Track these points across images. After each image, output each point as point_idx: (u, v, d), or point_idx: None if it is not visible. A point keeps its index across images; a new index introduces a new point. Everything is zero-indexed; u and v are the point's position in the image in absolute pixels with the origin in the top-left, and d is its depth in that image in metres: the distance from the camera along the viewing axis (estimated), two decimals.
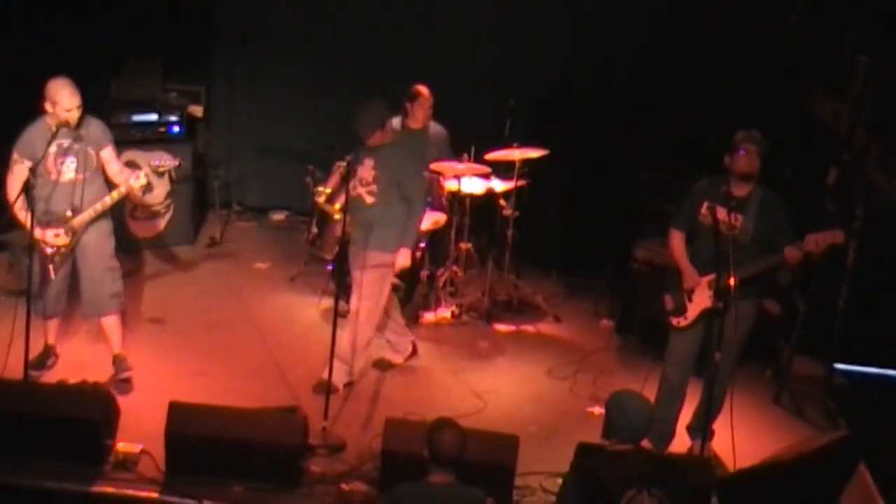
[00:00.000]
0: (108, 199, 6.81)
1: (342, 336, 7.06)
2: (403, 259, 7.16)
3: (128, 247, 8.17)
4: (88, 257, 6.92)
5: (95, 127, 6.84)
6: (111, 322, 7.12)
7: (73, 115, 6.63)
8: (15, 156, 6.74)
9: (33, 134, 6.71)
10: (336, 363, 7.03)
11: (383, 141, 7.02)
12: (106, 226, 6.96)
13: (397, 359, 7.74)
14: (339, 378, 7.19)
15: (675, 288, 6.69)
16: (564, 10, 9.33)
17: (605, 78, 9.06)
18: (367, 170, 7.07)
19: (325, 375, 6.98)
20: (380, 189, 7.07)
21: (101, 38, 9.00)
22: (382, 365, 7.66)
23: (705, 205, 6.54)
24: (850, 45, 7.89)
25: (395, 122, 8.34)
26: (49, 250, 6.78)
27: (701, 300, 6.58)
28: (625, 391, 5.25)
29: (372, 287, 7.17)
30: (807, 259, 6.38)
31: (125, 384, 7.09)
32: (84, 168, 6.75)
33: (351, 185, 6.98)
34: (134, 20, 9.20)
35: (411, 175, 7.23)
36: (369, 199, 7.08)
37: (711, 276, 6.48)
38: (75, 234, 6.81)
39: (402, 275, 7.53)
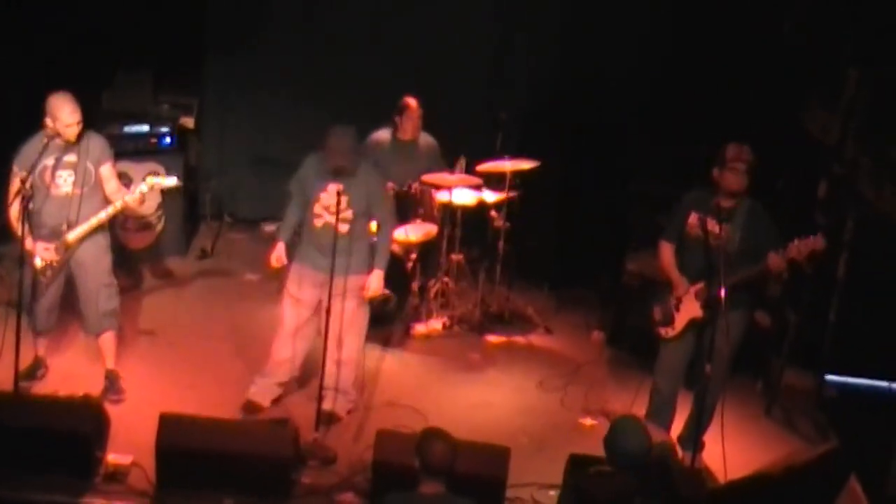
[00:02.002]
0: (103, 215, 6.80)
1: (330, 368, 6.90)
2: (378, 282, 7.01)
3: (122, 261, 8.15)
4: (84, 273, 6.90)
5: (96, 143, 6.83)
6: (106, 339, 7.10)
7: (73, 131, 6.62)
8: (14, 168, 6.72)
9: (32, 147, 6.70)
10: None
11: (352, 170, 6.83)
12: (103, 241, 6.94)
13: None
14: (341, 407, 7.15)
15: (663, 299, 6.71)
16: (556, 23, 9.34)
17: (596, 90, 9.07)
18: (331, 196, 6.73)
19: (326, 406, 6.95)
20: (355, 215, 6.85)
21: (92, 49, 8.99)
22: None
23: (694, 216, 6.57)
24: (841, 58, 7.92)
25: (384, 133, 8.39)
26: (40, 264, 6.77)
27: (688, 310, 6.60)
28: (622, 419, 5.28)
29: (359, 312, 7.06)
30: (791, 267, 6.39)
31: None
32: (82, 183, 6.74)
33: (314, 213, 6.84)
34: (125, 32, 9.20)
35: (381, 197, 7.11)
36: (344, 228, 6.77)
37: (698, 286, 6.51)
38: (68, 249, 6.79)
39: (394, 285, 7.51)
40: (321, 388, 6.88)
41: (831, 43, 8.03)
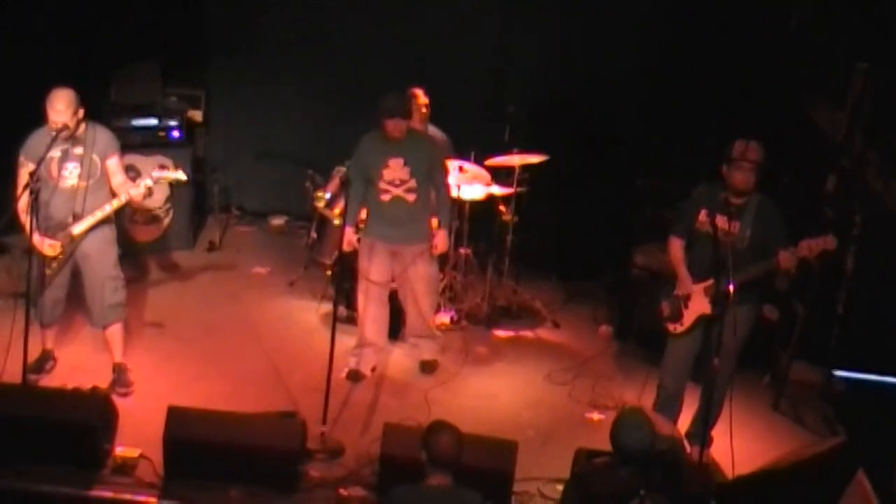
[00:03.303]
0: (108, 207, 6.80)
1: (411, 320, 7.68)
2: (444, 240, 7.54)
3: (129, 253, 8.17)
4: (91, 266, 6.91)
5: (103, 135, 6.84)
6: (113, 332, 7.11)
7: (55, 127, 6.59)
8: (21, 158, 6.75)
9: (39, 137, 6.71)
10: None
11: (405, 133, 7.18)
12: (109, 234, 6.95)
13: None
14: (433, 351, 7.77)
15: (672, 294, 6.70)
16: (562, 17, 9.32)
17: (603, 84, 9.06)
18: (396, 169, 7.21)
19: (425, 356, 7.73)
20: (418, 183, 7.25)
21: (100, 42, 8.99)
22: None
23: (703, 212, 6.55)
24: (849, 52, 7.90)
25: None
26: (46, 255, 6.77)
27: (697, 306, 6.59)
28: (625, 412, 5.29)
29: (430, 269, 7.52)
30: (801, 264, 6.38)
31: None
32: (88, 175, 6.75)
33: (380, 190, 7.20)
34: (133, 25, 9.20)
35: (439, 159, 7.52)
36: (411, 197, 7.27)
37: (707, 283, 6.50)
38: (73, 242, 6.80)
39: None
40: (412, 341, 7.77)
41: (839, 37, 8.01)
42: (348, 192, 7.34)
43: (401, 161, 7.21)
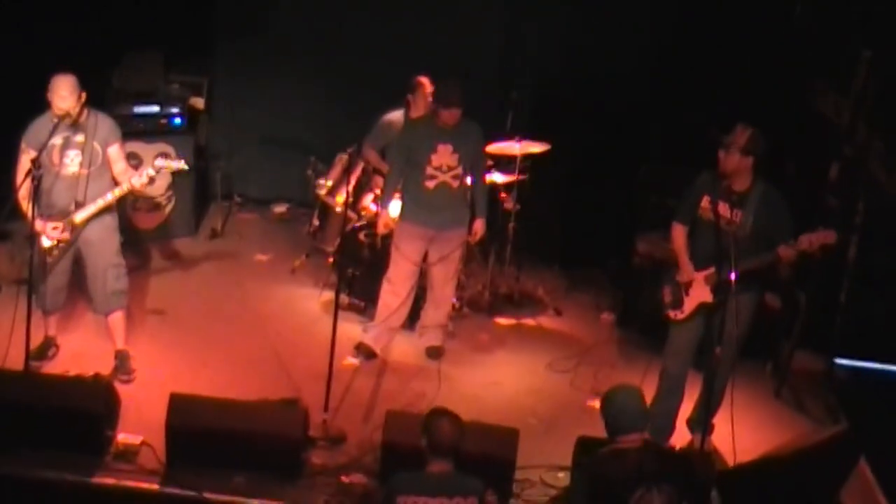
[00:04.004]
0: (110, 196, 6.80)
1: (432, 307, 7.76)
2: (483, 228, 7.70)
3: (131, 241, 8.17)
4: (92, 253, 6.91)
5: (104, 123, 6.84)
6: (115, 319, 7.11)
7: (60, 113, 6.60)
8: (23, 145, 6.75)
9: (41, 124, 6.71)
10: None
11: (456, 121, 7.26)
12: (111, 222, 6.95)
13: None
14: (440, 339, 7.82)
15: (674, 281, 6.70)
16: (567, 5, 9.30)
17: (607, 71, 9.02)
18: (445, 155, 7.29)
19: (429, 342, 7.79)
20: (463, 170, 7.36)
21: (103, 29, 8.98)
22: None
23: (706, 198, 6.53)
24: (853, 40, 7.88)
25: (397, 114, 8.37)
26: (47, 243, 6.78)
27: (698, 294, 6.58)
28: (613, 389, 5.28)
29: (457, 258, 7.64)
30: (802, 257, 6.37)
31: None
32: (89, 163, 6.75)
33: (426, 175, 7.25)
34: (136, 11, 9.19)
35: (481, 149, 7.66)
36: (455, 184, 7.37)
37: (709, 271, 6.49)
38: (75, 229, 6.80)
39: None
40: (421, 329, 7.84)
41: (843, 25, 7.99)
42: (388, 174, 7.51)
43: (450, 147, 7.29)
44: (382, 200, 7.62)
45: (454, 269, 7.68)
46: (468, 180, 7.59)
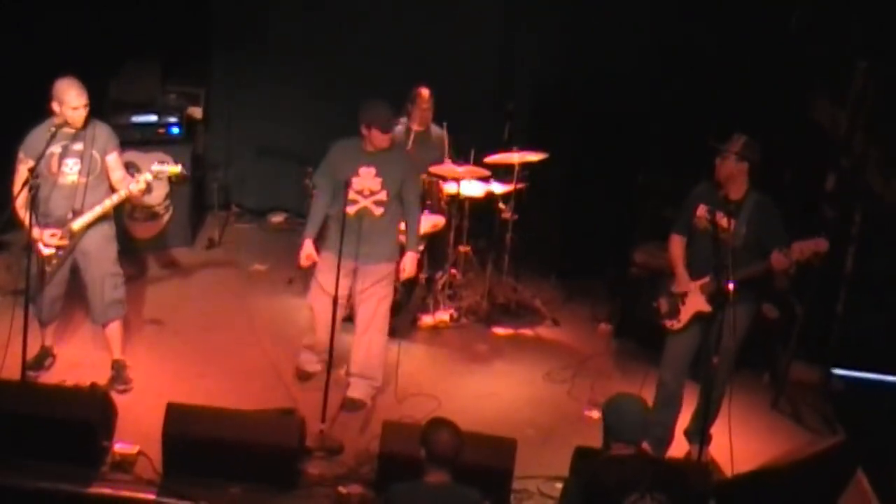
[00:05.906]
0: (108, 203, 6.81)
1: (358, 353, 7.14)
2: (412, 264, 7.21)
3: (129, 250, 8.17)
4: (90, 262, 6.91)
5: (102, 131, 6.84)
6: (113, 328, 7.10)
7: (80, 115, 6.64)
8: (21, 155, 6.75)
9: (39, 134, 6.71)
10: (359, 381, 7.17)
11: (388, 145, 6.92)
12: (108, 231, 6.95)
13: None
14: (366, 394, 7.22)
15: (669, 291, 6.70)
16: (564, 14, 9.31)
17: (604, 82, 9.04)
18: (367, 178, 6.84)
19: (350, 393, 7.15)
20: (388, 197, 6.91)
21: (100, 38, 8.98)
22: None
23: (702, 207, 6.55)
24: (850, 50, 7.90)
25: (398, 127, 8.35)
26: (46, 252, 6.77)
27: (694, 303, 6.58)
28: (619, 395, 5.26)
29: (388, 298, 7.14)
30: (794, 266, 6.37)
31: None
32: (88, 171, 6.75)
33: (348, 200, 6.78)
34: (133, 21, 9.19)
35: (414, 177, 7.24)
36: (378, 211, 6.89)
37: (704, 280, 6.50)
38: (73, 238, 6.80)
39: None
40: (348, 375, 7.18)
41: (839, 35, 8.01)
42: (313, 198, 7.10)
43: (373, 170, 6.84)
44: (305, 228, 7.16)
45: (378, 310, 7.05)
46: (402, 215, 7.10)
